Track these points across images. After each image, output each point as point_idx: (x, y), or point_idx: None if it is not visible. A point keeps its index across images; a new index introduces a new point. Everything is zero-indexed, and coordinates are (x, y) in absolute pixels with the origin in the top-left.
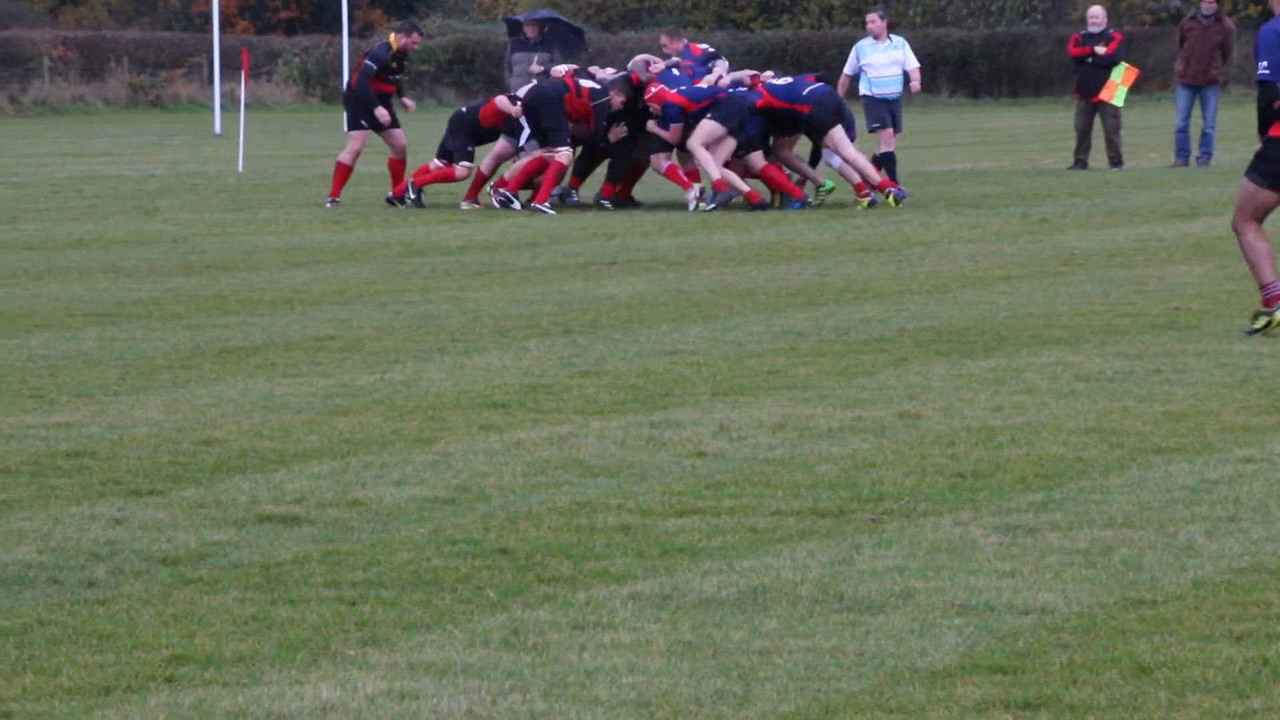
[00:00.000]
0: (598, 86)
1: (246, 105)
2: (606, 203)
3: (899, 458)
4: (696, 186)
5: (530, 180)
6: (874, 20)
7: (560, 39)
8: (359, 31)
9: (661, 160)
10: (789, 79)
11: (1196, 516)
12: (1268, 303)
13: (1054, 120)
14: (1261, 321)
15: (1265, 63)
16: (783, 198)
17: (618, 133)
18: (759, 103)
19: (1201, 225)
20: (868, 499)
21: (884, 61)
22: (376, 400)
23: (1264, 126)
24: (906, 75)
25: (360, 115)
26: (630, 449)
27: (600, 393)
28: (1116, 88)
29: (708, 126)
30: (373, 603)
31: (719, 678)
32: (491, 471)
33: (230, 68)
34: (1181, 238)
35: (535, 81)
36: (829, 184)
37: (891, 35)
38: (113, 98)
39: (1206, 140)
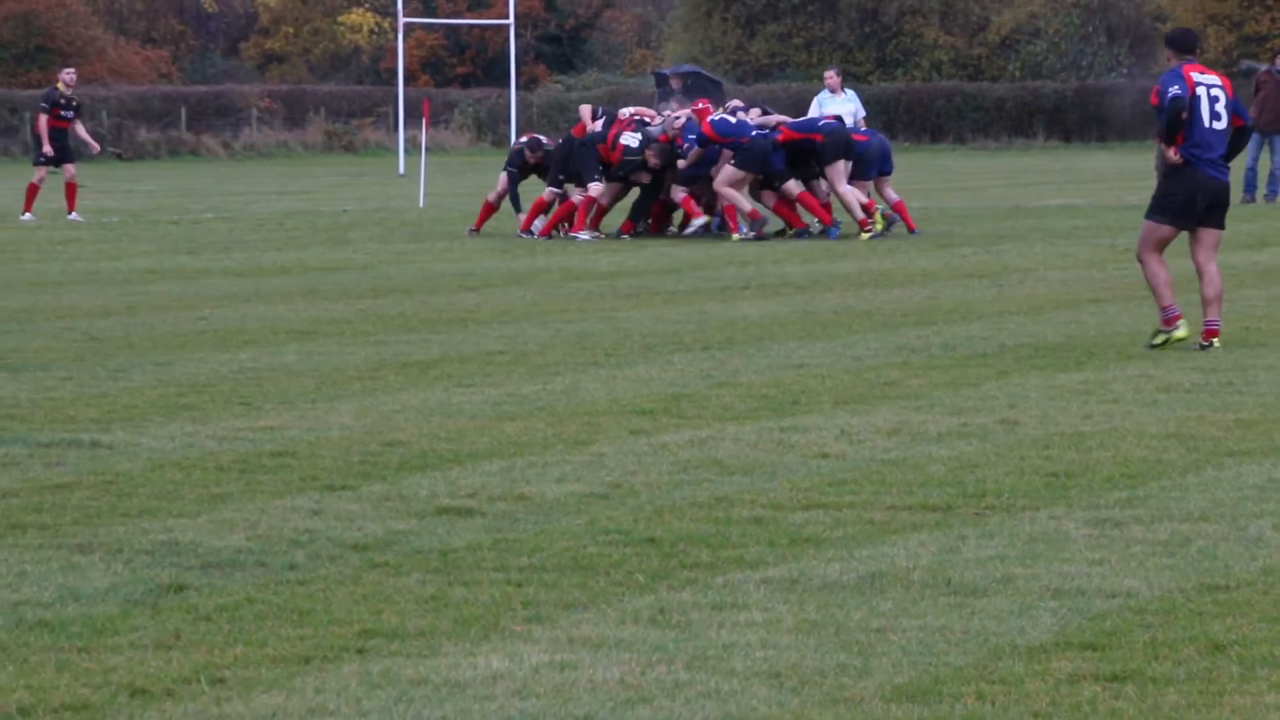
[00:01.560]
0: (635, 146)
1: (427, 149)
2: (626, 236)
3: (1000, 459)
4: (703, 219)
5: (561, 217)
6: (831, 76)
7: (701, 90)
8: (525, 84)
9: (678, 191)
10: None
11: (1265, 512)
12: (1167, 323)
13: (1137, 162)
14: (1160, 338)
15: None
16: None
17: (641, 177)
18: (780, 138)
19: (1269, 254)
20: (972, 495)
21: (841, 111)
22: (539, 407)
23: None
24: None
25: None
26: (762, 451)
27: (736, 401)
28: None
29: (728, 171)
30: (536, 585)
31: (841, 652)
32: (640, 470)
33: (413, 116)
34: (1251, 265)
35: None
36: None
37: (845, 89)
38: (311, 143)
39: (1274, 179)
